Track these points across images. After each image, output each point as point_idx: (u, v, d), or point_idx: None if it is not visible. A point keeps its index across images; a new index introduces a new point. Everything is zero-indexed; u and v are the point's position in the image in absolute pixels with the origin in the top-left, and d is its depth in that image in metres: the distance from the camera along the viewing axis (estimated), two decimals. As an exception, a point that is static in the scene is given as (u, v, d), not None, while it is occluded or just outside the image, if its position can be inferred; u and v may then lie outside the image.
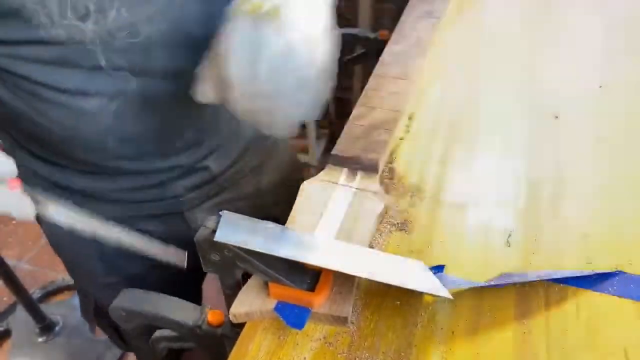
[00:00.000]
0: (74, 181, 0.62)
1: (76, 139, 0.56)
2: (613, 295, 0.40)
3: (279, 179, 0.77)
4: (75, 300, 1.58)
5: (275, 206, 0.48)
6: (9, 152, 0.65)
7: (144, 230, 0.66)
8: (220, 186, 0.68)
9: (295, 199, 0.49)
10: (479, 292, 0.41)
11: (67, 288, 1.65)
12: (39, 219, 0.69)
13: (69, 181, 0.62)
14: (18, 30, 0.44)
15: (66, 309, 1.55)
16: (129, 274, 0.71)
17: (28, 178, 0.66)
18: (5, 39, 0.45)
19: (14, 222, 1.91)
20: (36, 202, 0.68)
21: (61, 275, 1.70)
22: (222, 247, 0.38)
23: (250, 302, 0.40)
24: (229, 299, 0.42)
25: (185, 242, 0.46)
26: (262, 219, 0.45)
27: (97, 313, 0.82)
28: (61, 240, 0.71)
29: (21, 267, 1.74)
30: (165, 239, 0.44)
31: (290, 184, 0.83)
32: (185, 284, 0.83)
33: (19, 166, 0.67)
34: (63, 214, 0.59)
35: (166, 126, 0.57)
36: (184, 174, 0.63)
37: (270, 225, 0.41)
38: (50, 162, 0.60)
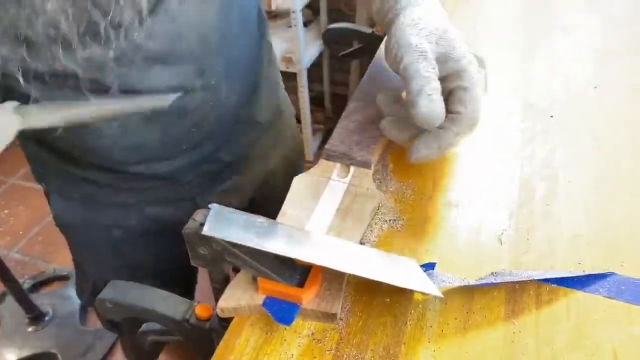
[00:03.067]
0: (84, 174, 0.61)
1: (81, 148, 0.56)
2: (604, 296, 0.40)
3: (286, 162, 0.78)
4: (66, 291, 1.58)
5: (283, 189, 0.49)
6: (23, 146, 0.65)
7: (155, 215, 0.67)
8: (232, 170, 0.69)
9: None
10: (470, 290, 0.40)
11: (58, 278, 1.65)
12: (48, 198, 0.70)
13: (78, 175, 0.62)
14: (32, 62, 0.44)
15: (56, 299, 1.55)
16: (135, 261, 0.71)
17: (38, 166, 0.67)
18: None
19: (5, 211, 1.90)
20: (47, 186, 0.67)
21: (52, 265, 1.69)
22: (210, 240, 0.38)
23: (239, 297, 0.39)
24: (218, 293, 0.42)
25: None
26: (271, 201, 0.45)
27: (94, 293, 0.82)
28: (70, 221, 0.70)
29: (11, 257, 1.73)
30: (177, 224, 0.44)
31: (297, 166, 0.83)
32: (189, 277, 0.83)
33: (29, 159, 0.67)
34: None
35: (173, 135, 0.57)
36: (194, 165, 0.63)
37: (260, 219, 0.40)
38: (60, 157, 0.61)
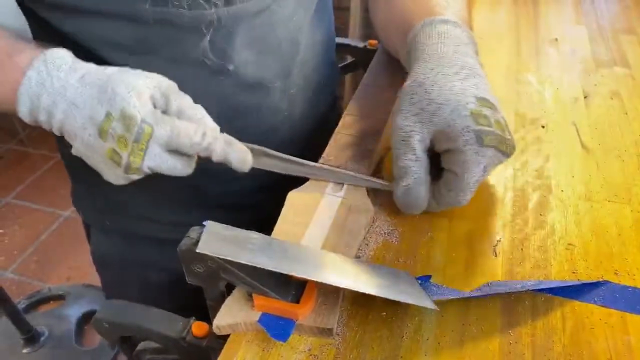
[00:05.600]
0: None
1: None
2: (599, 305, 0.40)
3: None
4: (62, 310, 1.56)
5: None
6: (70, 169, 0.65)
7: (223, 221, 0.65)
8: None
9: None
10: (465, 302, 0.40)
11: (53, 298, 1.63)
12: (89, 234, 0.69)
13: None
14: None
15: (52, 319, 1.53)
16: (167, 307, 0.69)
17: (83, 198, 0.66)
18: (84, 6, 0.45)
19: (0, 230, 1.89)
20: (91, 220, 0.65)
21: (47, 284, 1.68)
22: (205, 258, 0.38)
23: (234, 314, 0.39)
24: (213, 310, 0.42)
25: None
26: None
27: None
28: (107, 259, 0.70)
29: (6, 277, 1.71)
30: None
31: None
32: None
33: (75, 184, 0.66)
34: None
35: (248, 139, 0.54)
36: (259, 188, 0.63)
37: (255, 235, 0.40)
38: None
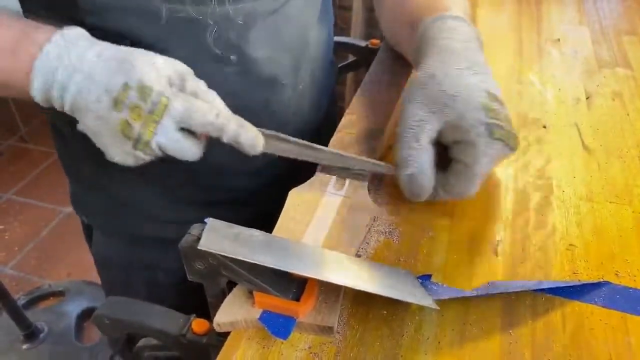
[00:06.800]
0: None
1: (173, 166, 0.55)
2: (600, 306, 0.40)
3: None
4: (61, 307, 1.56)
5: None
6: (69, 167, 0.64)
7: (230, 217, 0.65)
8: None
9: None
10: (466, 301, 0.40)
11: (53, 294, 1.63)
12: (90, 238, 0.68)
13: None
14: None
15: (52, 315, 1.53)
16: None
17: (84, 199, 0.65)
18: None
19: (0, 226, 1.89)
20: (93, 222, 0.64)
21: (47, 281, 1.68)
22: (206, 255, 0.38)
23: (235, 312, 0.39)
24: (214, 307, 0.42)
25: None
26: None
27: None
28: (111, 260, 0.69)
29: (6, 273, 1.72)
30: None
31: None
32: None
33: (74, 185, 0.65)
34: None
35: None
36: (270, 184, 0.63)
37: (256, 233, 0.40)
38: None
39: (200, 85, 0.46)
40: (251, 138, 0.45)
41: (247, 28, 0.52)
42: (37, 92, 0.43)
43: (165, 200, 0.61)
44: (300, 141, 0.49)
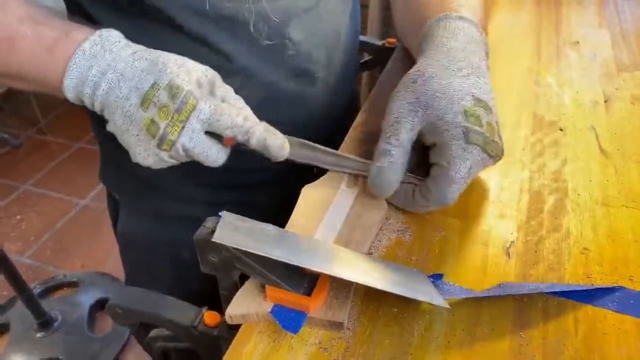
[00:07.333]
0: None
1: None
2: (613, 310, 0.40)
3: None
4: (75, 297, 1.59)
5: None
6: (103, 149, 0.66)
7: (254, 199, 0.66)
8: None
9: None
10: (477, 302, 0.40)
11: (68, 284, 1.66)
12: (116, 218, 0.69)
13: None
14: None
15: (66, 305, 1.56)
16: (194, 288, 0.64)
17: (114, 177, 0.67)
18: None
19: (17, 217, 1.93)
20: (121, 199, 0.66)
21: (62, 271, 1.71)
22: (220, 247, 0.38)
23: (247, 305, 0.40)
24: (226, 300, 0.42)
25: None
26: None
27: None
28: (136, 237, 0.70)
29: (22, 262, 1.75)
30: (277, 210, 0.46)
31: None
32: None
33: (105, 163, 0.67)
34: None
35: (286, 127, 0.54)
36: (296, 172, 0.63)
37: (270, 227, 0.41)
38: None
39: (229, 91, 0.47)
40: (278, 143, 0.46)
41: (284, 26, 0.53)
42: (69, 90, 0.45)
43: (196, 183, 0.62)
44: (326, 149, 0.50)
